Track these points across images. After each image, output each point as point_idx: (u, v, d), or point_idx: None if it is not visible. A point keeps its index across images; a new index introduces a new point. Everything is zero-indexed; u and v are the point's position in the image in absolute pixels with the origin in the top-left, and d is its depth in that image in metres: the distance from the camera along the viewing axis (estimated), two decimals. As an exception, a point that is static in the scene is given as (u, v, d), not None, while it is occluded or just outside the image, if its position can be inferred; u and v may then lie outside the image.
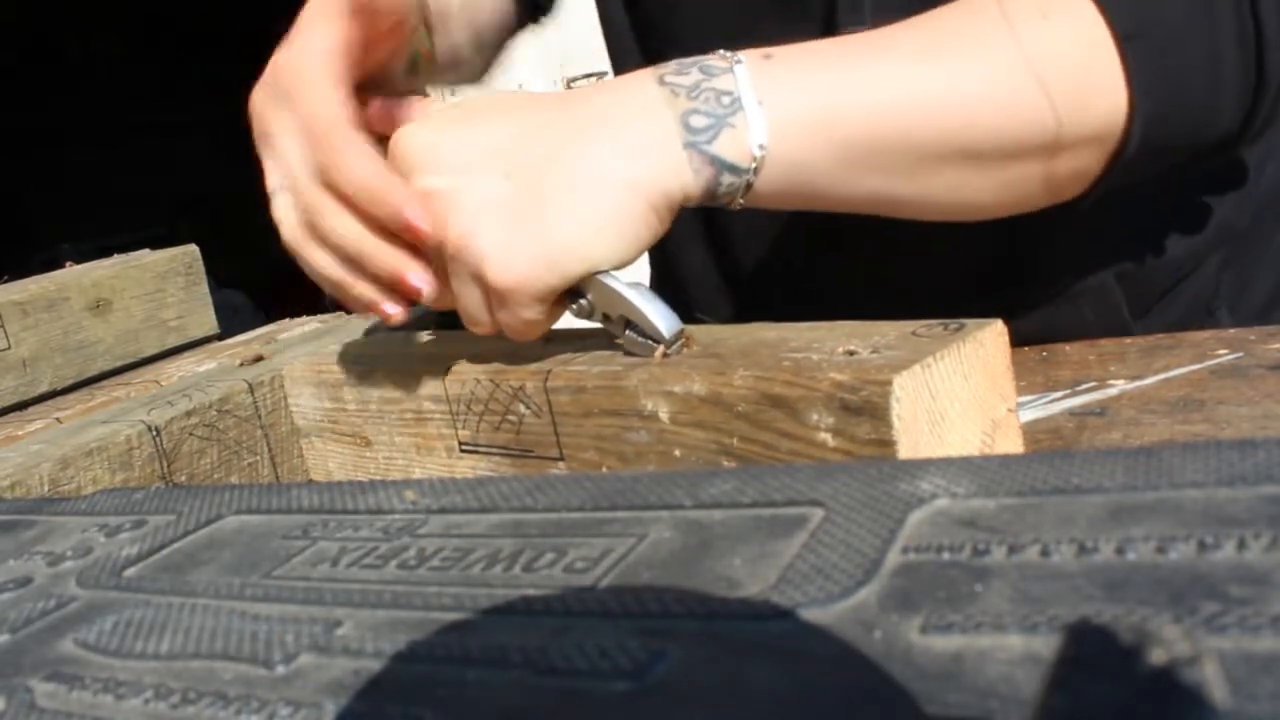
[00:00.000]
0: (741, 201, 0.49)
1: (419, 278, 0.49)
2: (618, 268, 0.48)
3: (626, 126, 0.47)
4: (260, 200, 0.54)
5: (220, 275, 0.91)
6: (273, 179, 0.52)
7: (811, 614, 0.22)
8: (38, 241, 3.86)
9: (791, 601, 0.22)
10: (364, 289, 0.51)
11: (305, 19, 0.52)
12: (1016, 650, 0.19)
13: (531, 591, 0.26)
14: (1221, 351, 0.55)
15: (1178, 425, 0.47)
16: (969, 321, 0.42)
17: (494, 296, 0.48)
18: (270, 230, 0.54)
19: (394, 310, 0.51)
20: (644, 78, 0.49)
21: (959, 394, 0.40)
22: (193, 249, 0.87)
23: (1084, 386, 0.55)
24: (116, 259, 0.87)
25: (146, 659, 0.28)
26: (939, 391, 0.39)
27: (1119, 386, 0.53)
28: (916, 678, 0.19)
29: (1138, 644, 0.12)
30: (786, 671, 0.20)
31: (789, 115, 0.48)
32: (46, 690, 0.27)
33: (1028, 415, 0.51)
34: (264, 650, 0.26)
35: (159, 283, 0.83)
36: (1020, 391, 0.44)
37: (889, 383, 0.37)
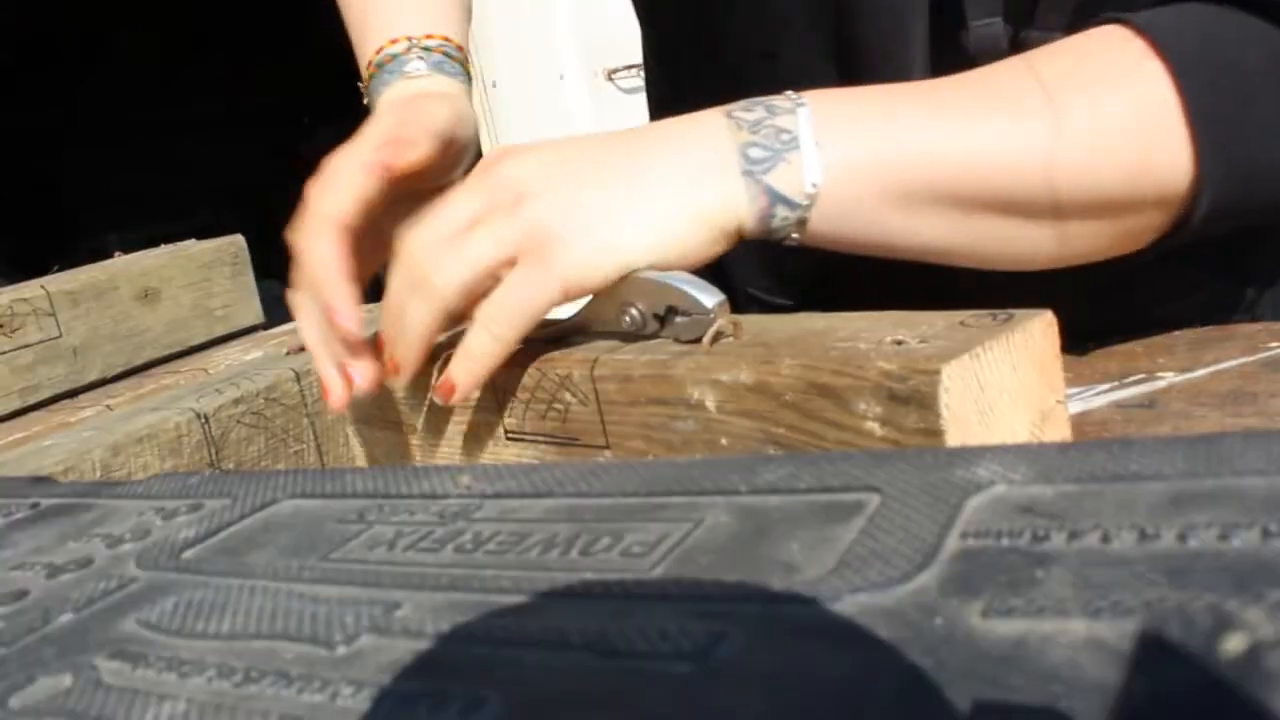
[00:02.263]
0: (795, 238, 0.51)
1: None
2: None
3: (689, 153, 0.50)
4: (298, 194, 0.59)
5: (262, 266, 0.91)
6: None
7: (871, 598, 0.22)
8: (80, 232, 3.90)
9: (851, 586, 0.23)
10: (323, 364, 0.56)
11: (332, 166, 0.59)
12: (1079, 635, 0.19)
13: (589, 575, 0.26)
14: (1273, 344, 0.54)
15: (1228, 418, 0.47)
16: (1018, 312, 0.42)
17: (528, 283, 0.49)
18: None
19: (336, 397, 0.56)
20: (712, 113, 0.52)
21: (1007, 385, 0.40)
22: (238, 239, 0.88)
23: (1132, 379, 0.54)
24: (164, 249, 0.89)
25: (208, 638, 0.28)
26: (987, 382, 0.39)
27: (1168, 379, 0.53)
28: (978, 661, 0.19)
29: (1218, 627, 0.12)
30: (848, 655, 0.20)
31: (844, 158, 0.49)
32: (111, 668, 0.28)
33: (1074, 407, 0.51)
34: (324, 631, 0.27)
35: (206, 272, 0.84)
36: (1066, 384, 0.44)
37: (938, 372, 0.37)
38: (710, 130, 0.51)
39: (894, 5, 0.63)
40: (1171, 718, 0.12)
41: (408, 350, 0.53)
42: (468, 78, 0.70)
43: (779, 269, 0.77)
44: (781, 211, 0.50)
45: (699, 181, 0.50)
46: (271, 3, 4.32)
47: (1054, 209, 0.51)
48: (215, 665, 0.27)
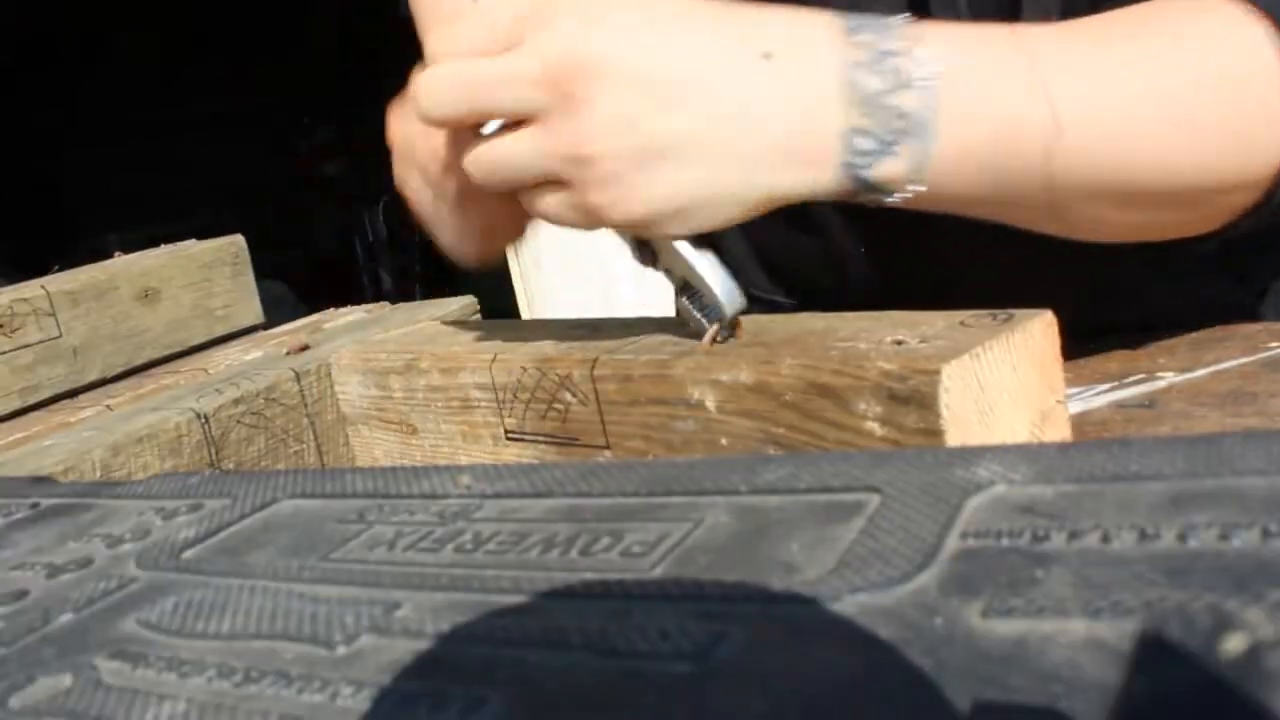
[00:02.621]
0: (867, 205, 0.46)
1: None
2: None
3: (790, 124, 0.43)
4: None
5: (260, 267, 0.92)
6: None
7: (871, 598, 0.22)
8: (80, 232, 3.90)
9: (851, 586, 0.23)
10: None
11: None
12: (1079, 635, 0.19)
13: (589, 575, 0.26)
14: (1273, 344, 0.54)
15: (1229, 418, 0.47)
16: (1018, 312, 0.42)
17: (572, 209, 0.45)
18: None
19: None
20: (831, 60, 0.43)
21: (1007, 385, 0.40)
22: (238, 239, 0.88)
23: (1132, 379, 0.54)
24: (164, 249, 0.89)
25: (208, 638, 0.28)
26: (987, 382, 0.39)
27: (1168, 379, 0.53)
28: (978, 661, 0.19)
29: (1218, 627, 0.12)
30: (848, 655, 0.20)
31: (959, 149, 0.44)
32: (111, 668, 0.28)
33: (1074, 407, 0.51)
34: (324, 631, 0.27)
35: (206, 272, 0.84)
36: (1066, 384, 0.44)
37: (937, 372, 0.37)
38: (821, 97, 0.43)
39: None
40: (1171, 718, 0.12)
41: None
42: None
43: (781, 269, 0.77)
44: (866, 196, 0.45)
45: (790, 163, 0.44)
46: (271, 3, 4.32)
47: (1152, 198, 0.47)
48: (215, 665, 0.27)
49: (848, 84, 0.43)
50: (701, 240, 0.47)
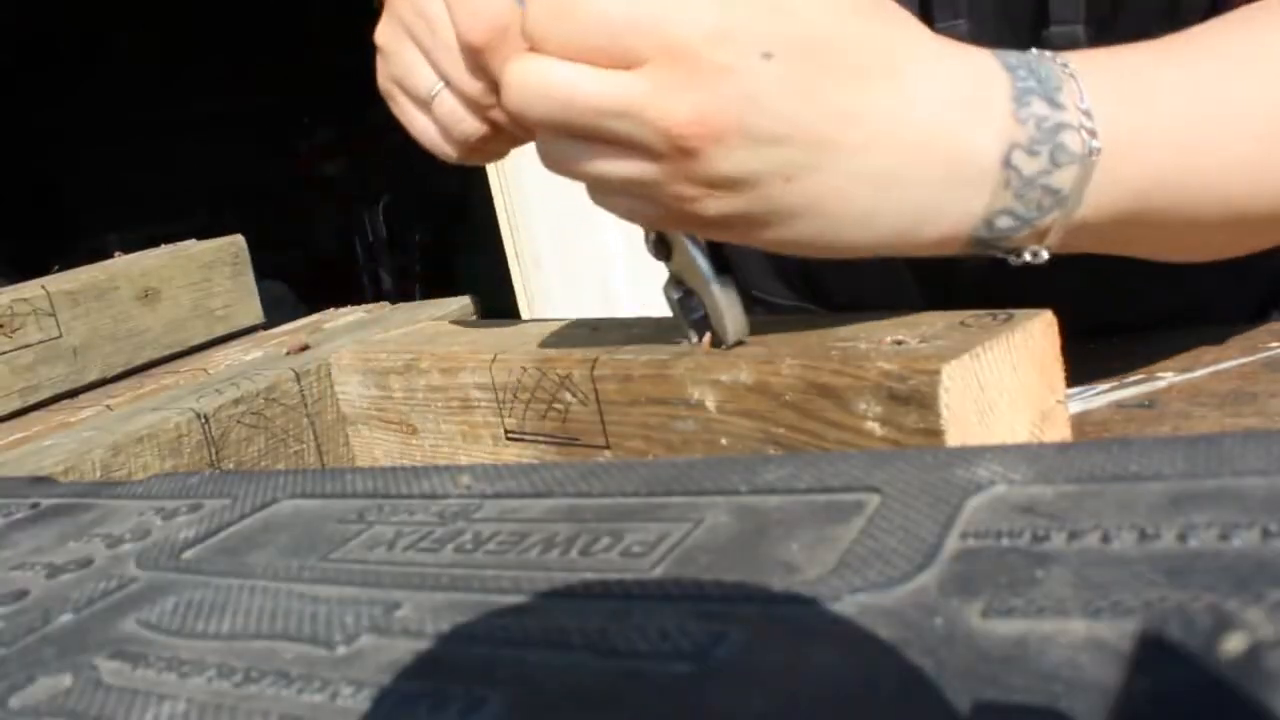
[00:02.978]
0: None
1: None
2: None
3: (935, 183, 0.39)
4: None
5: (260, 267, 0.92)
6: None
7: (871, 598, 0.22)
8: (80, 232, 3.90)
9: (851, 586, 0.23)
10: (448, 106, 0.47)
11: None
12: (1079, 635, 0.19)
13: (589, 575, 0.26)
14: (1273, 344, 0.54)
15: (1228, 418, 0.47)
16: (1018, 312, 0.42)
17: (666, 215, 0.40)
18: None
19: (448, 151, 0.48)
20: (1001, 127, 0.39)
21: (1007, 385, 0.40)
22: (238, 239, 0.88)
23: (1132, 379, 0.54)
24: (164, 249, 0.89)
25: (208, 638, 0.28)
26: (987, 382, 0.39)
27: (1168, 379, 0.53)
28: (979, 661, 0.19)
29: (1218, 627, 0.12)
30: (848, 655, 0.20)
31: (1097, 219, 0.41)
32: (111, 668, 0.28)
33: (1074, 407, 0.51)
34: (324, 631, 0.27)
35: (206, 272, 0.84)
36: (1066, 384, 0.44)
37: (937, 372, 0.37)
38: (972, 179, 0.39)
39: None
40: (1171, 718, 0.12)
41: None
42: None
43: (782, 269, 0.77)
44: (985, 252, 0.42)
45: (918, 232, 0.40)
46: (271, 3, 4.32)
47: (1263, 226, 0.45)
48: (215, 665, 0.27)
49: (1005, 167, 0.39)
50: (720, 261, 0.47)
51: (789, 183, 0.38)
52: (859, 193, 0.39)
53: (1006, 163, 0.39)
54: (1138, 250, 0.47)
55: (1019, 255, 0.42)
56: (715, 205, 0.39)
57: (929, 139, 0.39)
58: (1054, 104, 0.39)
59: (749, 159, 0.38)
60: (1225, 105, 0.43)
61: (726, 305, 0.46)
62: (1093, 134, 0.39)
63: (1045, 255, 0.42)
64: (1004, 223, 0.40)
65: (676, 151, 0.38)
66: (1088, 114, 0.40)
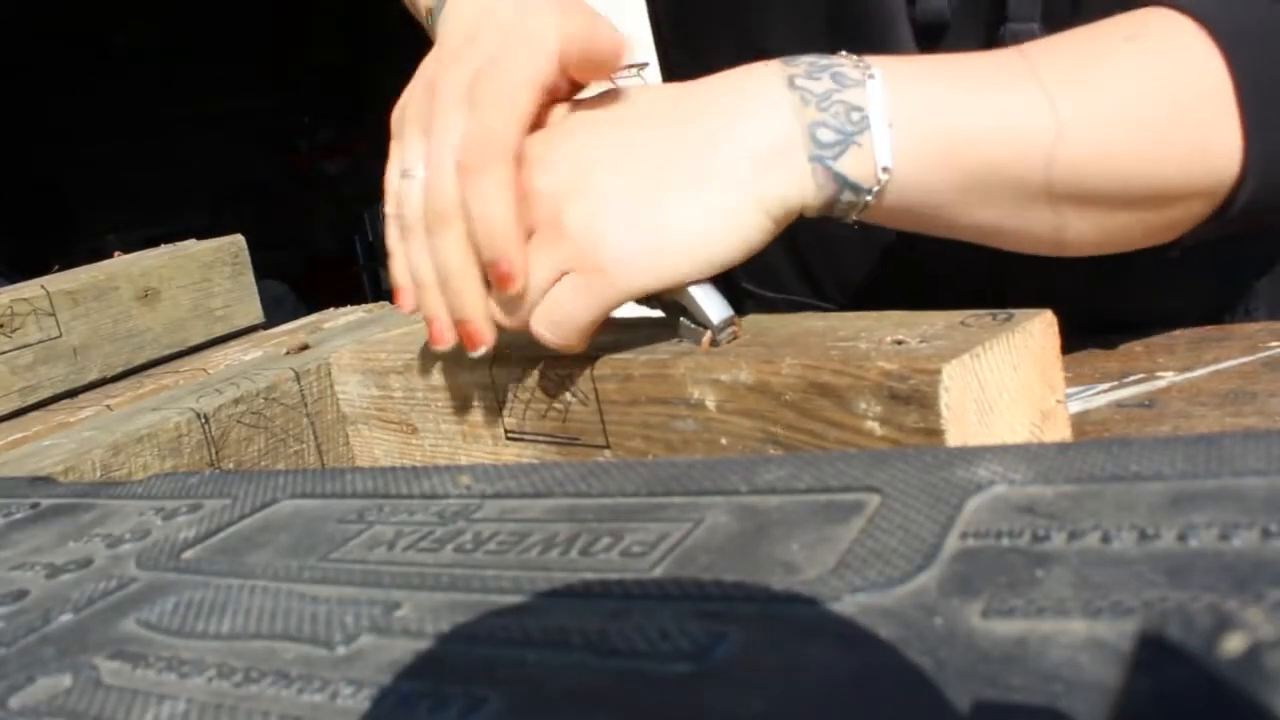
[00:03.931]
0: (855, 218, 0.48)
1: (483, 335, 0.49)
2: (720, 270, 0.47)
3: (752, 132, 0.46)
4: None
5: (259, 267, 0.92)
6: (412, 161, 0.51)
7: (871, 598, 0.22)
8: (80, 232, 3.90)
9: (851, 586, 0.23)
10: (435, 304, 0.51)
11: (515, 28, 0.49)
12: (1079, 635, 0.19)
13: (589, 575, 0.26)
14: (1273, 344, 0.54)
15: (1228, 418, 0.47)
16: (1018, 311, 0.42)
17: (585, 290, 0.46)
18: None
19: (446, 339, 0.51)
20: (773, 77, 0.47)
21: (1008, 384, 0.40)
22: (238, 239, 0.88)
23: (1132, 378, 0.54)
24: (164, 249, 0.89)
25: (208, 639, 0.28)
26: (987, 381, 0.39)
27: (1168, 378, 0.53)
28: (979, 661, 0.19)
29: (1218, 627, 0.12)
30: (848, 655, 0.20)
31: (917, 139, 0.47)
32: (111, 668, 0.28)
33: (1074, 407, 0.51)
34: (324, 631, 0.27)
35: (205, 272, 0.84)
36: (1066, 383, 0.44)
37: (937, 372, 0.37)
38: (773, 103, 0.46)
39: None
40: (1171, 718, 0.12)
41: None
42: None
43: (779, 269, 0.77)
44: (848, 196, 0.47)
45: (764, 167, 0.46)
46: (272, 3, 4.32)
47: (1108, 198, 0.49)
48: (215, 665, 0.27)
49: (796, 93, 0.46)
50: None
51: (629, 175, 0.46)
52: (694, 158, 0.47)
53: (792, 84, 0.46)
54: (1013, 226, 0.50)
55: (873, 184, 0.47)
56: (573, 224, 0.46)
57: (727, 105, 0.47)
58: (820, 57, 0.48)
59: (569, 162, 0.47)
60: (1104, 86, 0.48)
61: (702, 295, 0.46)
62: (867, 68, 0.47)
63: (888, 178, 0.47)
64: (826, 135, 0.46)
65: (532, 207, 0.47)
66: (865, 66, 0.47)
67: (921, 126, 0.47)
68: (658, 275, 0.46)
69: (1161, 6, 0.50)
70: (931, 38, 0.61)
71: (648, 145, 0.47)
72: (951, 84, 0.48)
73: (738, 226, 0.46)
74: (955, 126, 0.47)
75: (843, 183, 0.46)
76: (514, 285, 0.47)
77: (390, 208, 0.53)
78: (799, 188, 0.46)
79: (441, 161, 0.48)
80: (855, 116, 0.46)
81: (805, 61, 0.47)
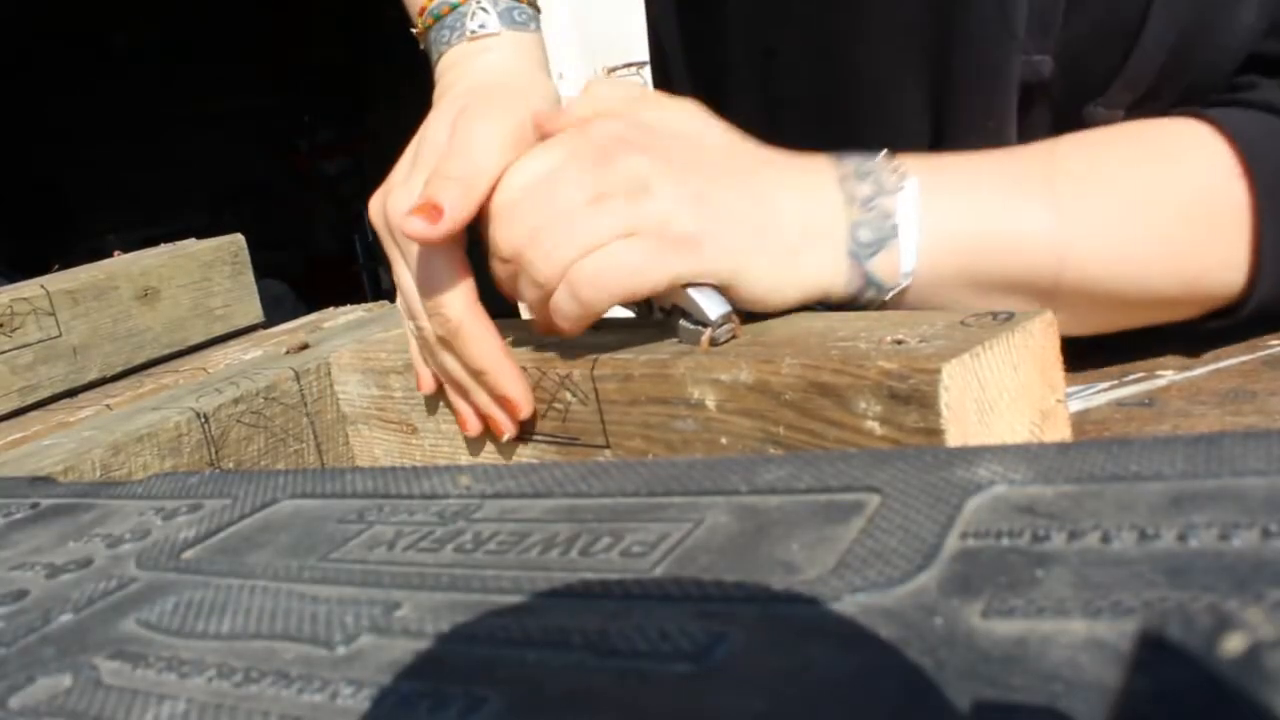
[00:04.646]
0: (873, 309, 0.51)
1: (506, 424, 0.52)
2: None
3: (802, 212, 0.49)
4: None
5: (259, 267, 0.92)
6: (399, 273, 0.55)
7: (871, 598, 0.22)
8: (80, 232, 3.90)
9: (851, 586, 0.23)
10: (462, 404, 0.54)
11: (473, 117, 0.52)
12: (1080, 635, 0.19)
13: (589, 575, 0.26)
14: (1273, 343, 0.54)
15: (1228, 417, 0.47)
16: (1018, 311, 0.42)
17: (654, 252, 0.47)
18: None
19: (475, 429, 0.54)
20: (827, 175, 0.50)
21: (1008, 384, 0.40)
22: (238, 239, 0.88)
23: (1132, 377, 0.54)
24: (164, 248, 0.89)
25: (208, 639, 0.28)
26: (988, 381, 0.39)
27: (1168, 377, 0.53)
28: (979, 661, 0.19)
29: (1218, 627, 0.12)
30: (848, 655, 0.20)
31: (937, 245, 0.50)
32: (111, 668, 0.28)
33: (1074, 406, 0.51)
34: (324, 631, 0.27)
35: (205, 271, 0.84)
36: (1066, 383, 0.44)
37: (937, 371, 0.37)
38: (824, 197, 0.50)
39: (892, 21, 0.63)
40: (1171, 718, 0.12)
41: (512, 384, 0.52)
42: (537, 13, 0.61)
43: None
44: (871, 293, 0.50)
45: (808, 247, 0.49)
46: (271, 3, 4.32)
47: (1113, 299, 0.52)
48: (215, 665, 0.27)
49: (844, 194, 0.50)
50: None
51: (707, 187, 0.48)
52: (760, 223, 0.49)
53: (842, 184, 0.50)
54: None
55: (895, 284, 0.50)
56: (659, 206, 0.47)
57: (790, 187, 0.50)
58: (866, 157, 0.51)
59: (655, 162, 0.48)
60: (1115, 199, 0.52)
61: (698, 293, 0.47)
62: (904, 175, 0.50)
63: (909, 282, 0.50)
64: (865, 235, 0.49)
65: (605, 173, 0.48)
66: (902, 173, 0.50)
67: (941, 235, 0.50)
68: (714, 277, 0.47)
69: (1195, 118, 0.53)
70: (1026, 99, 0.61)
71: (726, 177, 0.49)
72: (974, 193, 0.51)
73: (775, 285, 0.48)
74: (973, 234, 0.50)
75: (869, 280, 0.50)
76: (523, 412, 0.51)
77: (401, 310, 0.57)
78: (831, 275, 0.49)
79: (410, 296, 0.54)
80: (890, 223, 0.49)
81: (852, 163, 0.50)
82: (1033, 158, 0.53)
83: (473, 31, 0.57)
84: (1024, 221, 0.50)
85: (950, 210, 0.50)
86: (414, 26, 0.62)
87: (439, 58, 0.59)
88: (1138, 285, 0.52)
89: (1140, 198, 0.51)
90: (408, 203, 0.51)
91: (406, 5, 0.65)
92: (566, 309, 0.47)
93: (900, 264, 0.49)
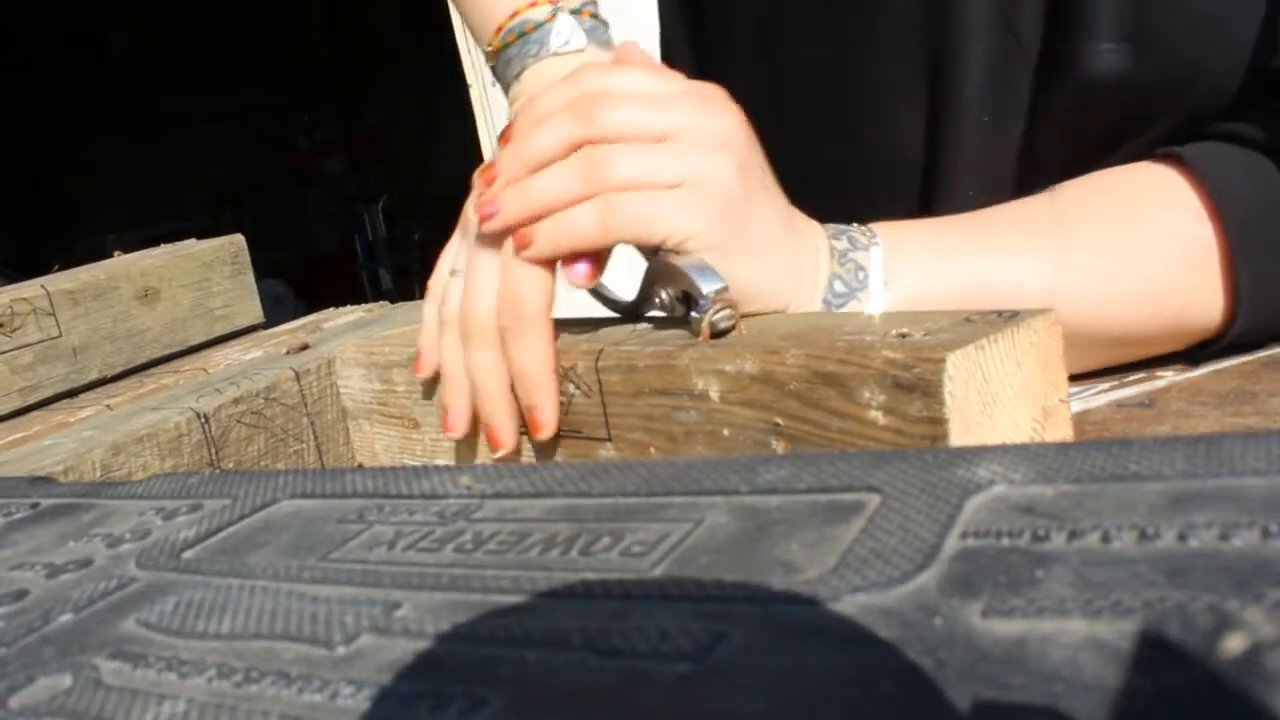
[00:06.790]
0: None
1: (505, 439, 0.53)
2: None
3: (801, 257, 0.53)
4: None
5: (259, 267, 0.92)
6: (462, 264, 0.55)
7: (871, 598, 0.22)
8: (80, 232, 3.90)
9: (851, 586, 0.23)
10: (458, 396, 0.54)
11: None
12: (1080, 635, 0.19)
13: (590, 575, 0.26)
14: (1273, 343, 0.54)
15: (1228, 418, 0.47)
16: (1022, 309, 0.42)
17: (678, 202, 0.49)
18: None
19: (458, 430, 0.55)
20: (820, 228, 0.55)
21: (1011, 379, 0.40)
22: (238, 239, 0.88)
23: (1132, 378, 0.54)
24: (164, 248, 0.89)
25: (208, 639, 0.28)
26: (991, 375, 0.39)
27: (1167, 378, 0.53)
28: (979, 661, 0.19)
29: (1218, 627, 0.12)
30: (848, 655, 0.20)
31: (906, 298, 0.54)
32: (111, 668, 0.28)
33: (1074, 406, 0.51)
34: (324, 631, 0.27)
35: (205, 272, 0.84)
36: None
37: (942, 360, 0.37)
38: (817, 247, 0.54)
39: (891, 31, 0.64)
40: (1171, 717, 0.12)
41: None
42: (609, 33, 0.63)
43: None
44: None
45: (799, 286, 0.52)
46: (271, 3, 4.32)
47: (1089, 341, 0.55)
48: (215, 665, 0.27)
49: (829, 246, 0.54)
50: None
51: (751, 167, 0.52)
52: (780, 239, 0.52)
53: (831, 238, 0.55)
54: None
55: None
56: (711, 165, 0.50)
57: (793, 227, 0.54)
58: (849, 226, 0.56)
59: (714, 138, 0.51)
60: (1098, 252, 0.55)
61: (695, 270, 0.47)
62: (873, 236, 0.55)
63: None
64: (840, 286, 0.54)
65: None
66: (871, 234, 0.55)
67: (911, 286, 0.54)
68: (722, 251, 0.49)
69: (1167, 162, 0.56)
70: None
71: (759, 187, 0.52)
72: (934, 251, 0.56)
73: (765, 301, 0.51)
74: (940, 288, 0.54)
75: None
76: (545, 433, 0.50)
77: (433, 295, 0.57)
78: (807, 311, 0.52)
79: (479, 281, 0.53)
80: (860, 276, 0.54)
81: (831, 227, 0.55)
82: (991, 220, 0.57)
83: (555, 49, 0.60)
84: (989, 280, 0.54)
85: (916, 267, 0.54)
86: (486, 45, 0.64)
87: (521, 70, 0.61)
88: (1119, 329, 0.55)
89: (1118, 251, 0.55)
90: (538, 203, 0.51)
91: (474, 23, 0.67)
92: (583, 222, 0.49)
93: (866, 313, 0.50)
